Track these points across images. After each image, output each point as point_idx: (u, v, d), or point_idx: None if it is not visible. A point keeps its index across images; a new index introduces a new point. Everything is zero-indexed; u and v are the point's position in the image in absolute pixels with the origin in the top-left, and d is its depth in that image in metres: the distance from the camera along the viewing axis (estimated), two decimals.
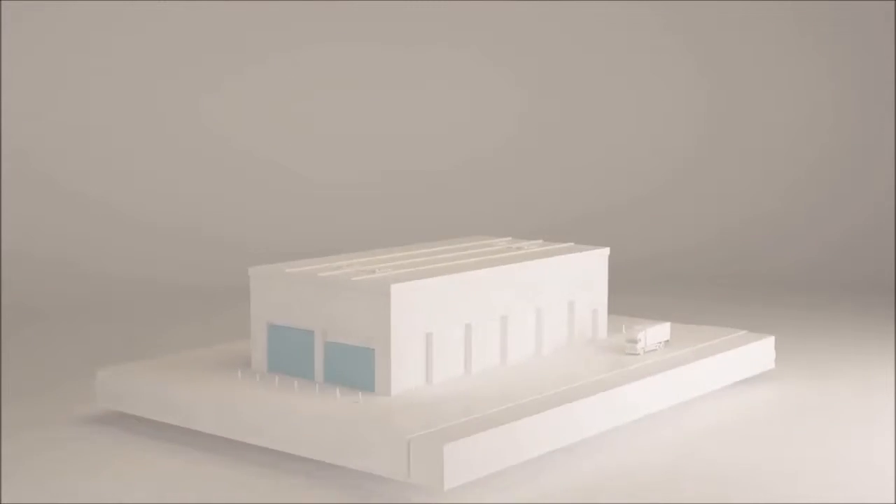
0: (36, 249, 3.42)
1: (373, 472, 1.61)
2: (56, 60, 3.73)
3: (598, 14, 4.18)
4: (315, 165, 3.96)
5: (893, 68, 3.98)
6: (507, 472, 1.71)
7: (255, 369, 1.97)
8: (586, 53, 4.18)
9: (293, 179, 3.91)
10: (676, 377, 1.99)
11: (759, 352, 2.22)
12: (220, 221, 3.73)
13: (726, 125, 4.12)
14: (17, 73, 3.67)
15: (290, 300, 1.92)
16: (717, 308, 3.05)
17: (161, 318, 2.92)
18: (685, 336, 2.25)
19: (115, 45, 3.81)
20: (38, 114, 3.69)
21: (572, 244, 2.27)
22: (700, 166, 4.08)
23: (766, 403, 2.09)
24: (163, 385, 1.88)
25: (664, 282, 3.47)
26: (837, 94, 4.07)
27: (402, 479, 1.57)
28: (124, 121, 3.79)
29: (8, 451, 1.81)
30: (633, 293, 3.28)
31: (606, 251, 2.21)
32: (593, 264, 2.19)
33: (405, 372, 1.83)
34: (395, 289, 1.80)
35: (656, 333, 2.11)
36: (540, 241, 2.28)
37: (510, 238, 2.33)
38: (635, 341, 2.07)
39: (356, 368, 1.84)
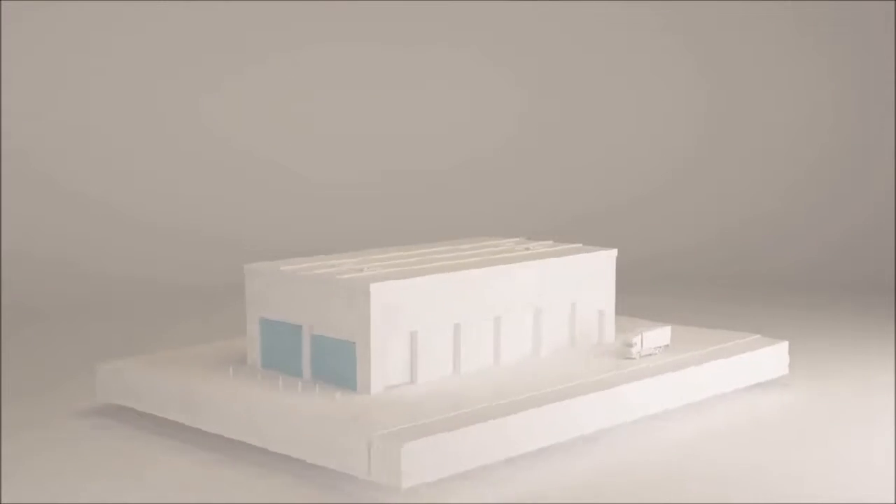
0: (36, 249, 3.42)
1: (337, 469, 1.62)
2: (56, 60, 3.73)
3: (598, 14, 4.18)
4: (315, 165, 3.96)
5: (893, 68, 3.98)
6: (499, 467, 1.70)
7: (251, 364, 1.98)
8: (586, 53, 4.18)
9: (293, 179, 3.91)
10: (681, 379, 1.97)
11: (772, 357, 2.17)
12: (220, 221, 3.73)
13: (726, 125, 4.12)
14: (17, 73, 3.67)
15: (280, 296, 1.93)
16: (717, 308, 3.05)
17: (161, 318, 2.92)
18: (696, 339, 2.21)
19: (115, 45, 3.81)
20: (38, 114, 3.68)
21: (580, 245, 2.23)
22: (700, 166, 4.08)
23: (766, 403, 2.09)
24: (163, 380, 1.90)
25: (664, 282, 3.47)
26: (837, 94, 4.06)
27: (364, 478, 1.58)
28: (124, 121, 3.79)
29: (8, 451, 1.81)
30: (633, 293, 3.28)
31: (614, 252, 2.16)
32: (600, 265, 2.15)
33: (387, 370, 1.83)
34: (375, 287, 1.80)
35: (655, 338, 2.07)
36: (550, 242, 2.25)
37: (519, 238, 2.31)
38: (631, 345, 2.03)
39: (340, 366, 1.84)
